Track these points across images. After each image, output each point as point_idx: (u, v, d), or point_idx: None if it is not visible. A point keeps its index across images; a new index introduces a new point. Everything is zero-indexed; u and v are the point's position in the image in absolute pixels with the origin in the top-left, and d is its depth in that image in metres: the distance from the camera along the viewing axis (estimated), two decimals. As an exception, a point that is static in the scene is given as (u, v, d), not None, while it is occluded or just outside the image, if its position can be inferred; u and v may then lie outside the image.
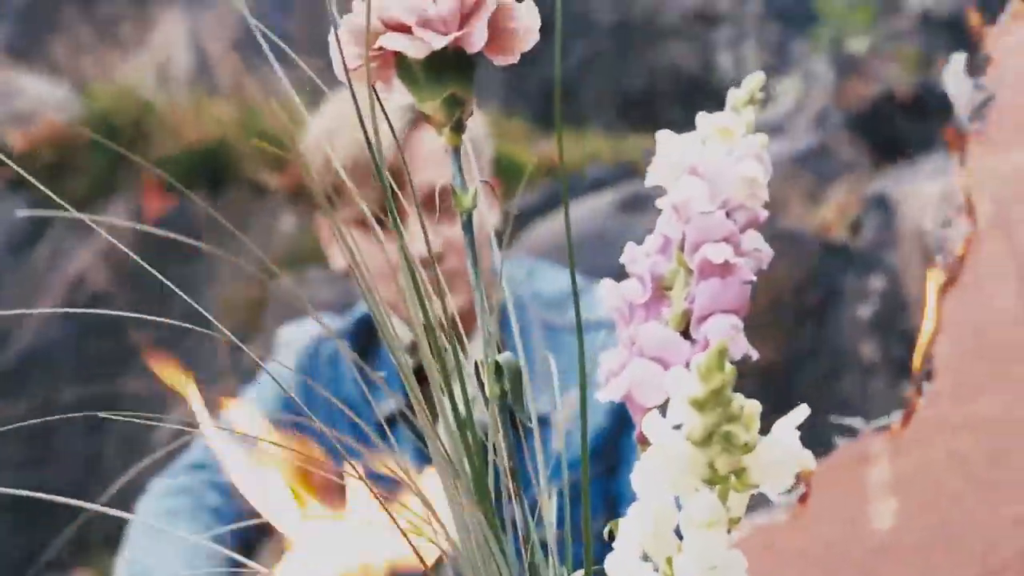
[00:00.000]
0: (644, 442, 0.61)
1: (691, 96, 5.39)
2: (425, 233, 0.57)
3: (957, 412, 0.70)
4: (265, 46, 0.62)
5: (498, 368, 0.54)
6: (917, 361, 0.70)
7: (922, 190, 3.20)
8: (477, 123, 1.39)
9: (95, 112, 5.23)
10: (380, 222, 1.38)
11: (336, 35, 0.53)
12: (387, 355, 0.58)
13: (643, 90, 5.55)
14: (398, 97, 1.37)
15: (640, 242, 0.62)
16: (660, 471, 0.47)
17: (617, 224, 3.71)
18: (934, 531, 0.71)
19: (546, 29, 0.54)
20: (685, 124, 0.63)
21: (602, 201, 4.04)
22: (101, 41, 6.30)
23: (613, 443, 1.37)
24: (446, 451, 0.52)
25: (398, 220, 0.53)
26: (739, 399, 0.45)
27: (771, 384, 2.86)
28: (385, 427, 0.62)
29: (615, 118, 5.60)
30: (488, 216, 1.37)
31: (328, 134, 1.28)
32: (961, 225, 0.70)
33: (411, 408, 0.54)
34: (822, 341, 3.07)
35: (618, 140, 5.30)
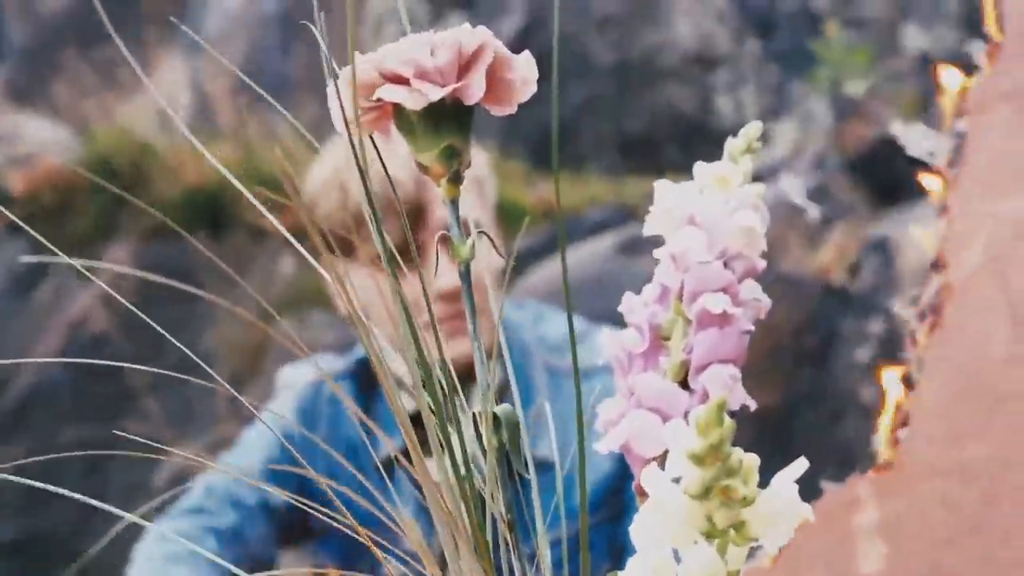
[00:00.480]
0: (643, 494, 0.61)
1: (690, 138, 5.41)
2: (412, 266, 0.57)
3: (948, 456, 0.69)
4: (260, 90, 0.62)
5: (496, 419, 0.54)
6: (885, 451, 0.70)
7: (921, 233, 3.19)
8: (481, 164, 1.39)
9: (95, 154, 5.26)
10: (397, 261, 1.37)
11: (335, 86, 0.53)
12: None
13: (642, 132, 5.57)
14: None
15: (640, 285, 0.62)
16: (659, 524, 0.47)
17: (616, 267, 3.71)
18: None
19: (545, 71, 0.54)
20: (684, 166, 0.64)
21: (602, 244, 4.05)
22: (102, 84, 6.34)
23: (618, 491, 1.36)
24: (444, 501, 0.52)
25: (415, 255, 0.53)
26: (738, 453, 0.45)
27: (769, 428, 2.84)
28: (383, 472, 0.62)
29: (614, 160, 5.62)
30: (491, 260, 1.38)
31: (339, 173, 1.28)
32: (933, 279, 0.70)
33: (407, 456, 0.54)
34: (821, 385, 3.06)
35: (617, 182, 5.31)
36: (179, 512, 1.34)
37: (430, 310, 0.54)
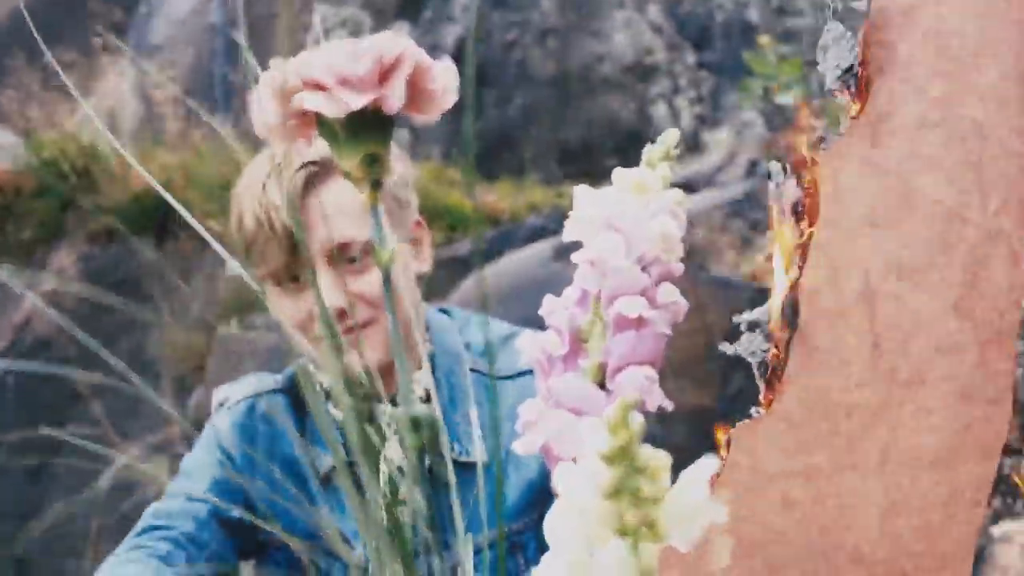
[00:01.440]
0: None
1: (627, 146, 5.45)
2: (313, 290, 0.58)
3: (795, 461, 0.71)
4: (191, 104, 0.62)
5: (415, 422, 0.55)
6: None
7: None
8: (396, 173, 1.40)
9: (42, 160, 5.22)
10: (295, 278, 1.40)
11: (257, 93, 0.54)
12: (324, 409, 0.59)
13: (581, 140, 5.61)
14: (307, 152, 1.38)
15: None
16: (571, 523, 0.48)
17: (553, 272, 3.73)
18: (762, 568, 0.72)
19: (484, 79, 0.55)
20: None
21: (540, 249, 4.07)
22: (47, 90, 6.28)
23: (547, 492, 1.37)
24: (362, 506, 0.52)
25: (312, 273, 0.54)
26: (647, 452, 0.46)
27: (704, 430, 2.88)
28: (320, 485, 0.63)
29: (553, 168, 5.65)
30: (413, 265, 1.39)
31: (238, 195, 1.33)
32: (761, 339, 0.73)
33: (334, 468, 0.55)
34: (754, 385, 3.09)
35: (557, 189, 5.34)
36: (130, 538, 1.34)
37: (328, 325, 0.55)
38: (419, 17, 5.69)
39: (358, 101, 0.52)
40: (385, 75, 0.53)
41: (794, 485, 0.69)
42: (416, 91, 0.55)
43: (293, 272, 1.32)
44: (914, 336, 0.71)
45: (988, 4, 0.70)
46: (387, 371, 1.32)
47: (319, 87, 0.53)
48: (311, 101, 0.52)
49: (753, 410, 0.73)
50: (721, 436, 0.71)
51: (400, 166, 1.40)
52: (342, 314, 1.29)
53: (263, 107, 0.53)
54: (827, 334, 0.70)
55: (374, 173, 0.55)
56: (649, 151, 0.67)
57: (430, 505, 0.56)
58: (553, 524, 0.49)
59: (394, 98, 0.53)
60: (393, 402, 1.41)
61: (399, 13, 5.66)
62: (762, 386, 0.73)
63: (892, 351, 0.71)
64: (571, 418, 0.61)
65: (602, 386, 0.62)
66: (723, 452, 0.68)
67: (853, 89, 0.71)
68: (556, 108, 5.61)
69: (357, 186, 0.55)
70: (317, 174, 1.31)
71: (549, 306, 0.64)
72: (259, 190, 1.30)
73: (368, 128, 0.54)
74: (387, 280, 0.56)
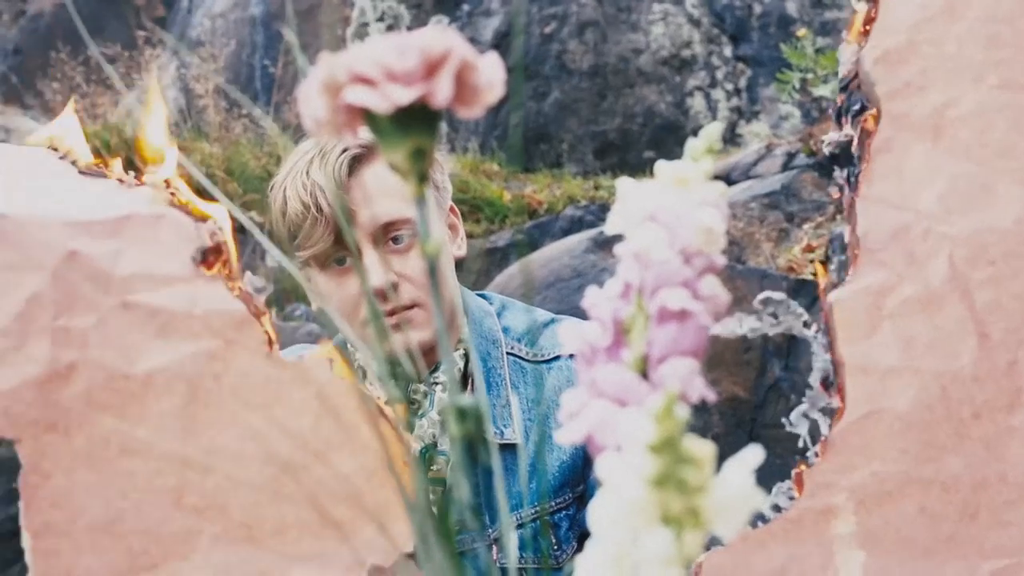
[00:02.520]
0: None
1: (664, 138, 5.44)
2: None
3: (923, 469, 0.71)
4: (237, 93, 0.63)
5: (461, 412, 0.56)
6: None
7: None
8: (438, 168, 1.45)
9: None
10: (341, 260, 1.42)
11: (305, 87, 0.54)
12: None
13: (618, 133, 5.60)
14: (347, 140, 1.41)
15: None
16: (615, 510, 0.49)
17: (591, 263, 3.73)
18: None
19: (523, 71, 0.56)
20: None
21: (577, 241, 4.07)
22: (91, 83, 6.34)
23: (582, 474, 1.39)
24: (401, 485, 0.53)
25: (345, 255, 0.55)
26: (692, 442, 0.47)
27: (740, 420, 2.88)
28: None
29: (591, 160, 5.64)
30: (451, 248, 1.43)
31: (282, 186, 1.36)
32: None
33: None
34: (790, 378, 3.09)
35: (594, 181, 5.33)
36: None
37: (373, 305, 0.56)
38: (457, 11, 5.69)
39: (405, 96, 0.53)
40: (432, 70, 0.54)
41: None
42: (462, 86, 0.55)
43: (339, 255, 1.34)
44: None
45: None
46: (429, 352, 1.34)
47: (367, 82, 0.53)
48: (359, 96, 0.53)
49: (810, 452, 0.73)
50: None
51: (437, 161, 1.43)
52: (392, 292, 1.32)
53: (311, 101, 0.54)
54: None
55: (421, 167, 0.56)
56: (692, 144, 0.67)
57: (476, 492, 0.57)
58: (597, 512, 0.49)
59: (441, 93, 0.53)
60: (420, 381, 1.42)
61: (437, 6, 5.66)
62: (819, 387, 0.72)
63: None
64: (614, 408, 0.61)
65: (645, 377, 0.63)
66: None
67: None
68: (594, 100, 5.60)
69: (404, 179, 0.56)
70: (361, 156, 1.34)
71: (592, 298, 0.65)
72: (304, 173, 1.33)
73: (415, 122, 0.55)
74: (433, 272, 0.56)
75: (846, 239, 0.72)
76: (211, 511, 0.75)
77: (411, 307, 1.35)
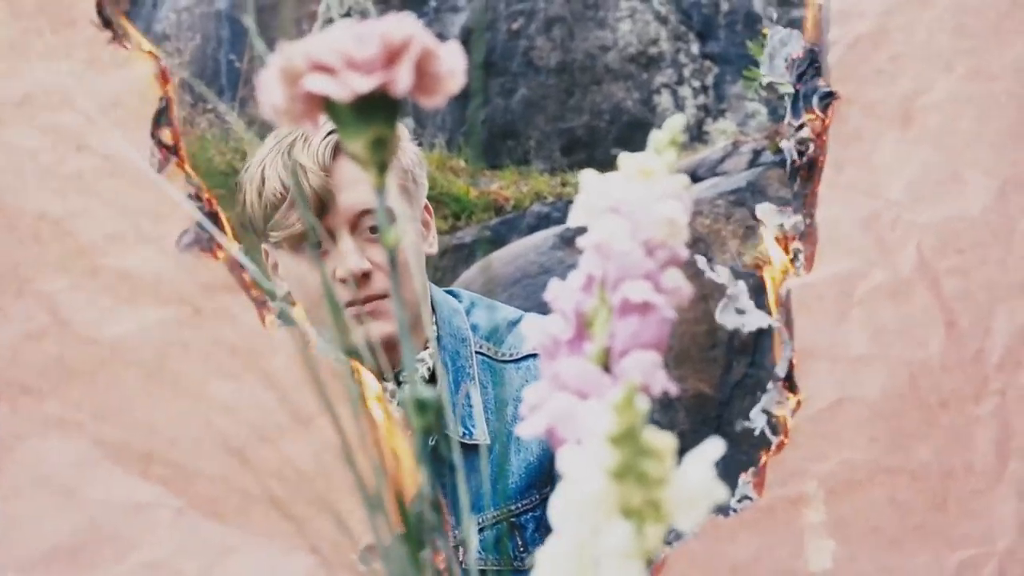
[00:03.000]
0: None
1: (632, 136, 5.45)
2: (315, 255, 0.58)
3: (892, 457, 0.71)
4: (202, 88, 0.62)
5: (421, 404, 0.55)
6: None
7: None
8: (410, 153, 1.43)
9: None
10: (316, 244, 1.40)
11: (265, 76, 0.54)
12: None
13: (586, 130, 5.61)
14: (329, 124, 1.39)
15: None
16: (576, 503, 0.48)
17: (557, 260, 3.74)
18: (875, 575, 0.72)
19: (489, 68, 0.55)
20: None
21: (544, 237, 4.08)
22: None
23: (549, 475, 1.38)
24: (360, 479, 0.53)
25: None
26: (653, 434, 0.47)
27: (706, 417, 2.89)
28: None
29: (558, 157, 5.65)
30: (423, 245, 1.41)
31: (260, 165, 1.34)
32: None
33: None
34: (756, 374, 3.11)
35: (561, 178, 5.34)
36: None
37: (332, 299, 0.55)
38: (424, 6, 5.68)
39: (365, 84, 0.52)
40: (392, 58, 0.53)
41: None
42: (423, 74, 0.55)
43: (315, 238, 1.33)
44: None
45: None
46: (394, 347, 1.34)
47: (326, 70, 0.53)
48: (318, 84, 0.53)
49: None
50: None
51: (413, 147, 1.41)
52: (364, 279, 1.31)
53: (271, 89, 0.53)
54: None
55: (381, 156, 0.55)
56: (655, 136, 0.67)
57: (435, 487, 0.56)
58: (558, 505, 0.49)
59: (402, 81, 0.53)
60: (397, 379, 1.41)
61: (404, 3, 5.65)
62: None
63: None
64: (576, 401, 0.61)
65: (607, 370, 0.62)
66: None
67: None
68: (561, 97, 5.61)
69: (364, 169, 0.56)
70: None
71: (554, 290, 0.64)
72: (285, 154, 1.31)
73: (375, 111, 0.54)
74: (393, 262, 0.56)
75: (802, 229, 0.73)
76: (177, 483, 0.74)
77: (382, 297, 1.35)
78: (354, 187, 1.33)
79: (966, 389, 0.70)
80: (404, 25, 0.54)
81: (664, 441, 0.47)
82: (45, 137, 0.77)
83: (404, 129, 1.43)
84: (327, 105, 0.55)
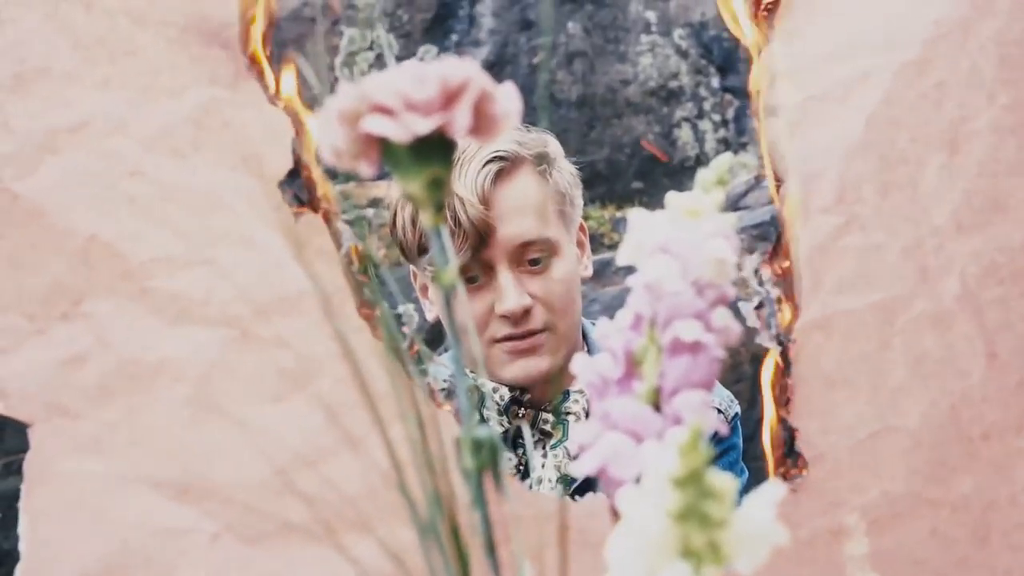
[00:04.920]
0: (617, 515, 0.62)
1: (652, 169, 5.47)
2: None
3: (934, 489, 0.71)
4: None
5: (476, 443, 0.55)
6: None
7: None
8: (567, 174, 1.36)
9: None
10: (473, 278, 1.32)
11: (323, 118, 0.54)
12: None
13: (606, 163, 5.63)
14: (487, 150, 1.31)
15: (606, 310, 0.64)
16: (635, 544, 0.48)
17: (583, 293, 3.74)
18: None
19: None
20: (645, 194, 0.65)
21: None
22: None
23: None
24: (418, 514, 0.53)
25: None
26: (715, 476, 0.47)
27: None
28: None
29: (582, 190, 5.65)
30: (579, 269, 1.36)
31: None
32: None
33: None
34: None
35: (584, 212, 5.34)
36: None
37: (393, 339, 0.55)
38: (446, 40, 5.72)
39: (424, 125, 0.53)
40: (451, 100, 0.54)
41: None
42: (480, 116, 0.55)
43: (471, 273, 1.28)
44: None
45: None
46: (547, 381, 1.30)
47: (386, 111, 0.53)
48: (378, 125, 0.53)
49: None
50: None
51: (569, 166, 1.36)
52: (524, 314, 1.25)
53: (330, 130, 0.54)
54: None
55: (438, 196, 0.56)
56: (702, 176, 0.68)
57: (487, 525, 0.57)
58: (615, 545, 0.49)
59: (460, 122, 0.53)
60: (549, 411, 1.33)
61: (425, 36, 5.69)
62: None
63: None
64: (627, 440, 0.61)
65: (657, 409, 0.62)
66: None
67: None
68: (582, 130, 5.63)
69: (421, 209, 0.56)
70: (505, 169, 1.28)
71: (603, 329, 0.65)
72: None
73: (432, 152, 0.55)
74: (448, 301, 0.56)
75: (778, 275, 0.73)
76: (214, 508, 0.74)
77: (542, 331, 1.29)
78: (514, 218, 1.27)
79: (1008, 420, 0.70)
80: (462, 67, 0.54)
81: (727, 483, 0.47)
82: (100, 161, 0.77)
83: (558, 146, 1.38)
84: (384, 146, 0.55)
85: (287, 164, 0.77)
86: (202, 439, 0.73)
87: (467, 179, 1.25)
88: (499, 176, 1.27)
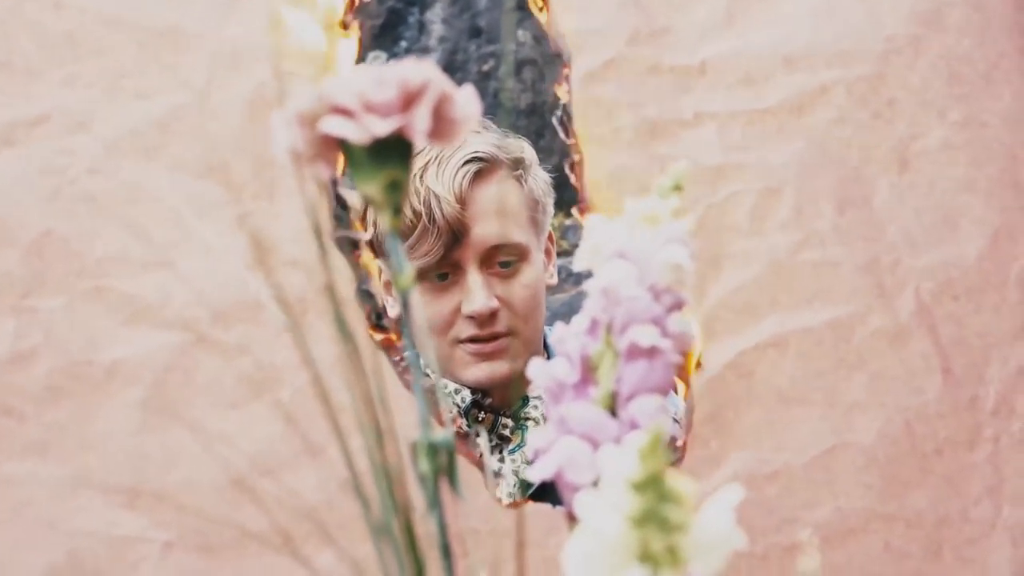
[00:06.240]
0: (574, 519, 0.62)
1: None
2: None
3: (887, 505, 0.72)
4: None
5: (432, 446, 0.55)
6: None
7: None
8: (541, 181, 1.37)
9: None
10: (443, 275, 1.32)
11: (282, 118, 0.54)
12: None
13: (555, 171, 5.65)
14: (466, 150, 1.32)
15: (561, 316, 0.64)
16: (594, 550, 0.48)
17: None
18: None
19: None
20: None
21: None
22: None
23: None
24: (370, 513, 0.52)
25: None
26: (675, 480, 0.47)
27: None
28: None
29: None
30: (544, 277, 1.36)
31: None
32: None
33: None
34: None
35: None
36: None
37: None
38: (395, 47, 5.72)
39: (384, 127, 0.53)
40: (410, 102, 0.53)
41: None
42: (440, 118, 0.55)
43: (441, 270, 1.28)
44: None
45: (995, 30, 0.72)
46: (508, 385, 1.30)
47: (345, 112, 0.53)
48: (336, 126, 0.53)
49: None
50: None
51: (543, 173, 1.36)
52: (491, 317, 1.25)
53: (289, 131, 0.53)
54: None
55: (396, 199, 0.55)
56: (659, 182, 0.68)
57: (443, 529, 0.56)
58: (573, 550, 0.49)
59: (419, 125, 0.53)
60: (508, 416, 1.33)
61: (375, 43, 5.68)
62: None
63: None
64: (583, 445, 0.61)
65: (613, 414, 0.63)
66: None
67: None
68: (531, 138, 5.65)
69: (379, 212, 0.56)
70: (483, 171, 1.29)
71: (559, 334, 0.65)
72: (418, 179, 1.26)
73: (391, 154, 0.54)
74: (406, 305, 0.56)
75: None
76: (166, 515, 0.73)
77: (506, 335, 1.30)
78: (489, 220, 1.27)
79: (961, 436, 0.71)
80: (422, 69, 0.54)
81: (687, 486, 0.47)
82: (60, 158, 0.76)
83: (534, 153, 1.38)
84: (343, 148, 0.55)
85: (253, 172, 0.76)
86: (155, 444, 0.72)
87: (445, 177, 1.26)
88: (477, 177, 1.28)
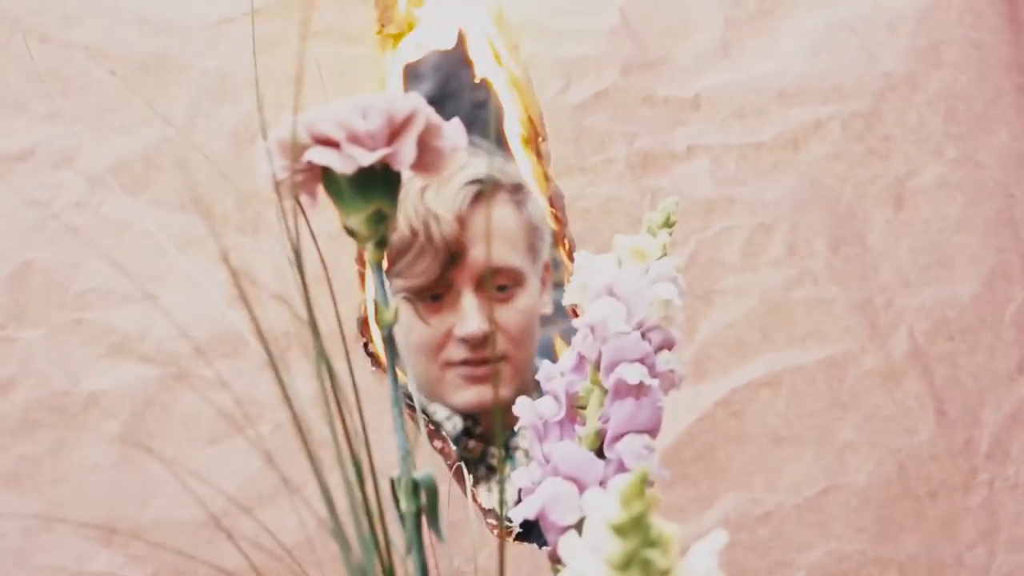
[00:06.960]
0: (557, 561, 0.61)
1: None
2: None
3: (881, 548, 0.70)
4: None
5: (414, 484, 0.54)
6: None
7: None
8: (540, 209, 1.38)
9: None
10: (437, 296, 1.33)
11: (265, 148, 0.53)
12: None
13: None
14: (468, 172, 1.33)
15: (546, 353, 0.63)
16: (577, 594, 0.47)
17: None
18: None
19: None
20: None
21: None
22: None
23: None
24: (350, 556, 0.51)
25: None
26: (658, 524, 0.45)
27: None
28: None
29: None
30: (539, 304, 1.36)
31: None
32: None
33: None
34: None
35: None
36: None
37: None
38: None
39: (368, 158, 0.52)
40: (396, 132, 0.52)
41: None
42: (426, 149, 0.54)
43: (435, 291, 1.29)
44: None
45: (993, 68, 0.71)
46: (490, 412, 1.29)
47: (329, 142, 0.52)
48: (320, 156, 0.52)
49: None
50: None
51: (542, 201, 1.37)
52: (484, 341, 1.25)
53: (272, 161, 0.52)
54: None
55: (381, 231, 0.54)
56: (649, 218, 0.67)
57: (424, 569, 0.55)
58: (556, 595, 0.48)
59: (404, 155, 0.52)
60: (506, 447, 1.33)
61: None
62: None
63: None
64: (568, 485, 0.60)
65: (599, 454, 0.61)
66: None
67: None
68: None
69: (362, 244, 0.55)
70: (483, 193, 1.28)
71: (545, 371, 0.64)
72: (417, 198, 1.26)
73: (376, 185, 0.53)
74: (390, 339, 0.55)
75: None
76: (141, 551, 0.71)
77: (499, 360, 1.31)
78: (486, 243, 1.27)
79: (955, 479, 0.70)
80: (408, 100, 0.53)
81: (671, 530, 0.45)
82: (43, 191, 0.75)
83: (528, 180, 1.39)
84: (327, 178, 0.54)
85: (237, 206, 0.76)
86: (132, 479, 0.71)
87: (445, 198, 1.26)
88: (477, 199, 1.28)
